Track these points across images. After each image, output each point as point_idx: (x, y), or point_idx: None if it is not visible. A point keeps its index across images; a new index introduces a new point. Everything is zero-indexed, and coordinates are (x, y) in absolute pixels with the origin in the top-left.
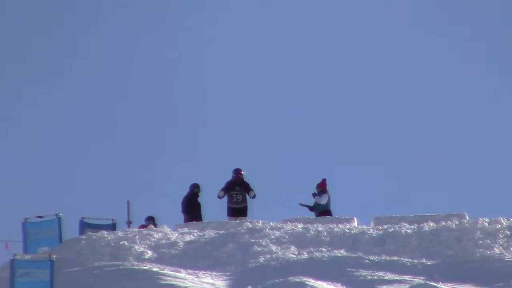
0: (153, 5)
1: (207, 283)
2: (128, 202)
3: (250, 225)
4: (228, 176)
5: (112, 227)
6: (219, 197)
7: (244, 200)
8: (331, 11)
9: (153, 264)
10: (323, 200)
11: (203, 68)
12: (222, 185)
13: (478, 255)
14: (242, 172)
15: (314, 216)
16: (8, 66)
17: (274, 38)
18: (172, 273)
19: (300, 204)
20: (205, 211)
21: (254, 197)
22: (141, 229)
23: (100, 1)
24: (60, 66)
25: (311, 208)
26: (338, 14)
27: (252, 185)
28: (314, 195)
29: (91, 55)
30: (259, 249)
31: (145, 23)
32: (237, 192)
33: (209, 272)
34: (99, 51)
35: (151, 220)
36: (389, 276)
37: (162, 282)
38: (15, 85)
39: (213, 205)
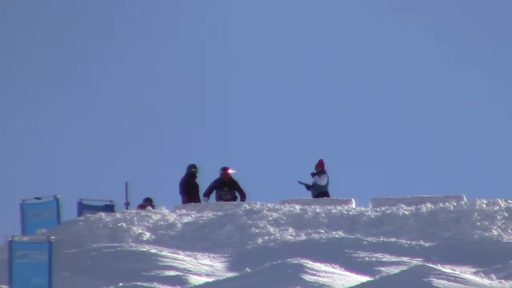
0: (153, 4)
1: (205, 264)
2: (126, 183)
3: (248, 206)
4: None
5: (110, 208)
6: (204, 197)
7: (234, 199)
8: (331, 10)
9: (151, 246)
10: (323, 181)
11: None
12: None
13: (476, 236)
14: (230, 171)
15: (310, 197)
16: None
17: (274, 37)
18: (171, 254)
19: (299, 182)
20: (203, 192)
21: (244, 198)
22: (140, 209)
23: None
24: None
25: (308, 187)
26: (338, 14)
27: (241, 184)
28: (313, 174)
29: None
30: (257, 230)
31: (145, 21)
32: (226, 192)
33: (207, 254)
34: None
35: (148, 201)
36: (387, 257)
37: (161, 264)
38: (16, 75)
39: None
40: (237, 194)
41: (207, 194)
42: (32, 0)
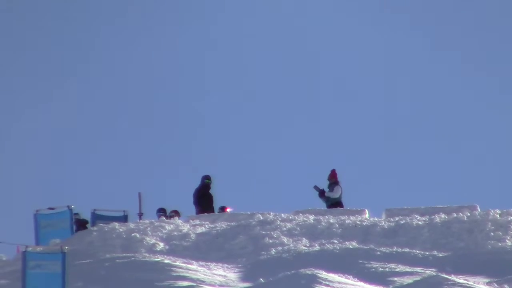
0: (153, 4)
1: (219, 275)
2: (139, 194)
3: (261, 217)
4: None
5: (124, 219)
6: None
7: None
8: (331, 10)
9: (165, 256)
10: (336, 194)
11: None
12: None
13: (490, 247)
14: (228, 210)
15: (324, 205)
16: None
17: (274, 38)
18: (184, 265)
19: (315, 187)
20: (216, 202)
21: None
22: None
23: (101, 1)
24: (70, 60)
25: (322, 193)
26: (338, 14)
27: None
28: (322, 194)
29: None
30: (270, 241)
31: (145, 21)
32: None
33: (220, 264)
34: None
35: (162, 211)
36: (400, 268)
37: (174, 274)
38: (27, 79)
39: (224, 196)
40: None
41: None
42: (32, 0)
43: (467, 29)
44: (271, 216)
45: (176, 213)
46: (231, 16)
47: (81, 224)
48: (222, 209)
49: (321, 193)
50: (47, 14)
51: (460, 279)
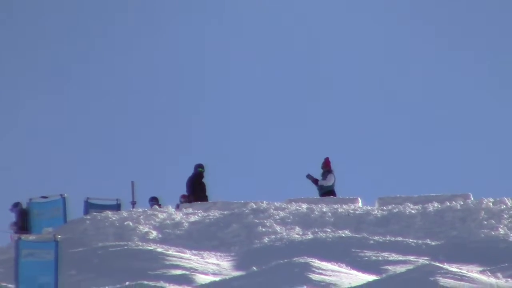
0: (153, 4)
1: (212, 263)
2: (132, 182)
3: (254, 205)
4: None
5: (117, 207)
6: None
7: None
8: (331, 10)
9: (158, 245)
10: (329, 181)
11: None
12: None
13: (483, 235)
14: None
15: (317, 193)
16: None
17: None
18: (177, 253)
19: (308, 176)
20: (209, 191)
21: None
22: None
23: (101, 1)
24: (62, 58)
25: (316, 182)
26: (338, 13)
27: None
28: (316, 182)
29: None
30: (263, 229)
31: (144, 21)
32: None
33: (213, 253)
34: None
35: (154, 200)
36: (393, 256)
37: (167, 263)
38: (20, 74)
39: (217, 185)
40: None
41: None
42: (33, 0)
43: (466, 28)
44: (264, 204)
45: (155, 200)
46: (231, 16)
47: (23, 213)
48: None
49: (315, 182)
50: (47, 13)
51: (453, 268)
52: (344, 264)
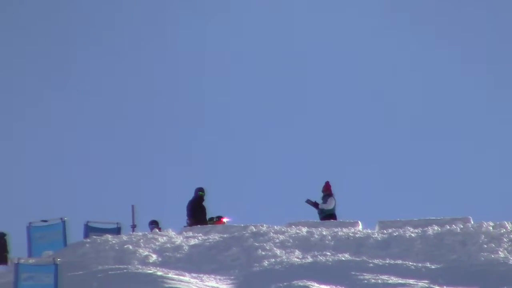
0: (153, 4)
1: (212, 286)
2: (132, 206)
3: (254, 229)
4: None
5: (117, 231)
6: None
7: None
8: (331, 10)
9: (158, 268)
10: (330, 205)
11: (203, 69)
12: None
13: (483, 259)
14: (224, 220)
15: (318, 217)
16: (10, 65)
17: (274, 38)
18: (177, 276)
19: (307, 201)
20: (210, 215)
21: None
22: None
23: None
24: (61, 68)
25: (316, 205)
26: (338, 13)
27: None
28: (316, 205)
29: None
30: (263, 253)
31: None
32: None
33: (213, 276)
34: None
35: (154, 223)
36: (393, 279)
37: (167, 286)
38: (17, 87)
39: (217, 208)
40: None
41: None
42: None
43: (466, 27)
44: (264, 228)
45: (155, 223)
46: (230, 15)
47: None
48: (219, 218)
49: (315, 206)
50: (47, 13)
51: None
52: (343, 287)
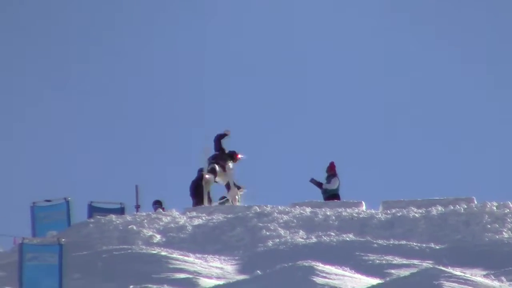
0: (153, 5)
1: (216, 267)
2: (136, 186)
3: (258, 209)
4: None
5: (121, 211)
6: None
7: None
8: (331, 10)
9: (162, 248)
10: (333, 185)
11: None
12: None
13: (487, 239)
14: (240, 156)
15: (322, 198)
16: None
17: (274, 38)
18: (181, 257)
19: (311, 180)
20: (213, 194)
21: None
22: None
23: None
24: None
25: (320, 185)
26: (338, 13)
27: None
28: (320, 185)
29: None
30: (267, 233)
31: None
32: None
33: (217, 256)
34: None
35: (158, 204)
36: (397, 260)
37: (171, 266)
38: (21, 71)
39: (220, 188)
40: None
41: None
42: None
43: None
44: (268, 208)
45: (159, 203)
46: (230, 15)
47: None
48: (233, 154)
49: (319, 185)
50: (47, 13)
51: (457, 271)
52: (348, 268)
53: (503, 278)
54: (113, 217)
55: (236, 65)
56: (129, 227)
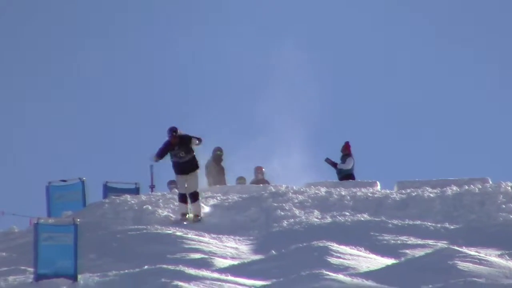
0: (154, 5)
1: (231, 247)
2: (151, 166)
3: (273, 189)
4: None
5: (136, 191)
6: (155, 161)
7: (189, 152)
8: (332, 9)
9: (177, 228)
10: (348, 165)
11: (203, 69)
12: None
13: (501, 219)
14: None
15: (337, 178)
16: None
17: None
18: (196, 237)
19: (326, 160)
20: (228, 175)
21: (199, 142)
22: None
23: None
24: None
25: (335, 165)
26: (338, 13)
27: (191, 133)
28: (335, 165)
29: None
30: (282, 213)
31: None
32: (177, 150)
33: (232, 237)
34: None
35: (173, 184)
36: (412, 240)
37: (186, 246)
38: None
39: (236, 168)
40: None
41: (158, 158)
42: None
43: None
44: (283, 188)
45: (174, 184)
46: (230, 16)
47: None
48: (171, 131)
49: (334, 165)
50: (47, 13)
51: (472, 251)
52: (362, 248)
53: None
54: (128, 197)
55: (235, 64)
56: (144, 207)
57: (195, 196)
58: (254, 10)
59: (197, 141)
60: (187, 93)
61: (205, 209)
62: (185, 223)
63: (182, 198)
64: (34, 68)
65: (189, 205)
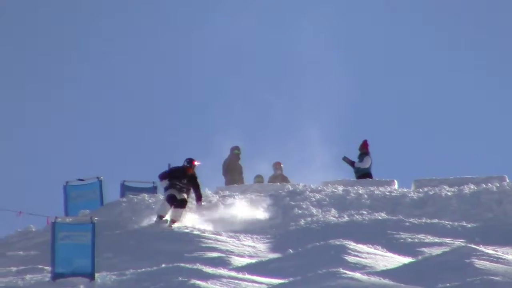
0: (153, 5)
1: (248, 246)
2: (169, 164)
3: (290, 187)
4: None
5: (153, 190)
6: (161, 180)
7: (189, 191)
8: (332, 8)
9: (194, 227)
10: (365, 164)
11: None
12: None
13: None
14: (196, 163)
15: (354, 177)
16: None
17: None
18: (213, 236)
19: (344, 158)
20: (245, 174)
21: (200, 198)
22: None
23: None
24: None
25: (352, 164)
26: (339, 13)
27: (199, 182)
28: (352, 164)
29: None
30: (299, 211)
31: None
32: (183, 185)
33: (249, 235)
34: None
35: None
36: (429, 238)
37: (203, 245)
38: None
39: (253, 166)
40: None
41: (165, 177)
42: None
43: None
44: (300, 186)
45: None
46: (230, 15)
47: None
48: (191, 161)
49: (351, 164)
50: (47, 13)
51: (489, 250)
52: (379, 246)
53: None
54: (145, 196)
55: (236, 65)
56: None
57: (181, 204)
58: (270, 3)
59: (198, 195)
60: (206, 87)
61: (186, 219)
62: (160, 225)
63: (170, 200)
64: (59, 68)
65: (171, 209)
